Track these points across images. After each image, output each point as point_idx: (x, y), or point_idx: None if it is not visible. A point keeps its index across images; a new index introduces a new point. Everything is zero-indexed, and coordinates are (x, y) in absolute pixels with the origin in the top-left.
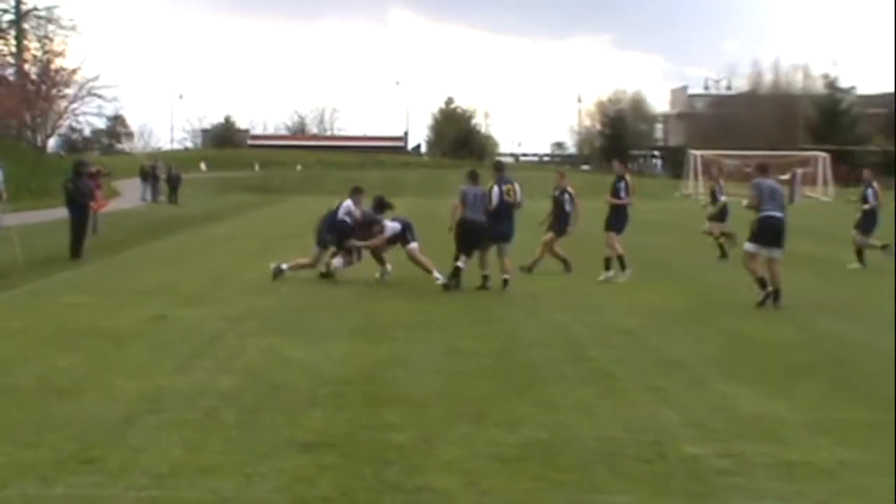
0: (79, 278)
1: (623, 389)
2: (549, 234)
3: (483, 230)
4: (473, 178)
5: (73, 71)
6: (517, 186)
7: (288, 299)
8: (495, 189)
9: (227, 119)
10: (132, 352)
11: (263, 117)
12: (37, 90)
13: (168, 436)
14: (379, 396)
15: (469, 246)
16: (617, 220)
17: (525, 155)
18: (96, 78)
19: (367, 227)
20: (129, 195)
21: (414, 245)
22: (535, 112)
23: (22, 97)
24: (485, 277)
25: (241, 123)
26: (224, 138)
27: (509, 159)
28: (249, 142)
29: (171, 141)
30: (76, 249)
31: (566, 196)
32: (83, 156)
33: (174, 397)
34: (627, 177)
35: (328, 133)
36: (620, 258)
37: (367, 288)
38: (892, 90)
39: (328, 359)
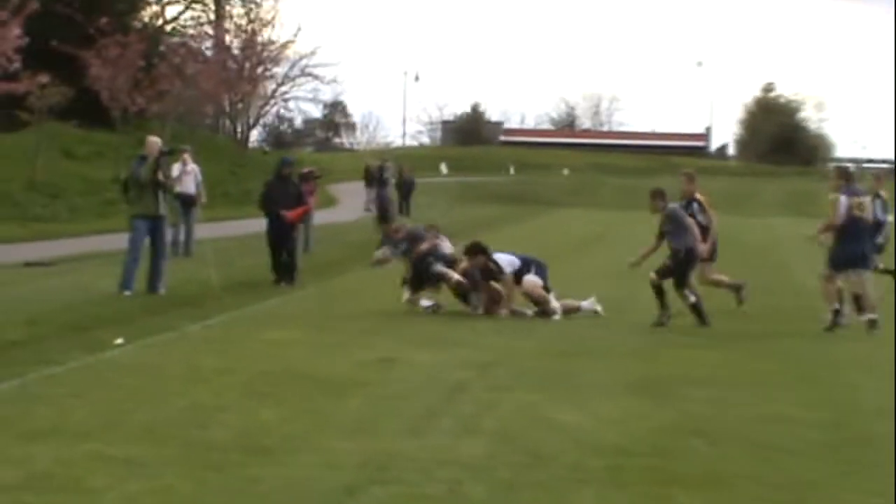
0: (285, 308)
1: None
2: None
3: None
4: (664, 196)
5: (285, 45)
6: (869, 201)
7: (549, 343)
8: (842, 200)
9: (475, 108)
10: (352, 405)
11: (521, 107)
12: (239, 69)
13: None
14: (668, 473)
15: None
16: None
17: (871, 161)
18: (313, 54)
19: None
20: (349, 203)
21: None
22: (885, 104)
23: (221, 77)
24: (835, 312)
25: (492, 114)
26: (470, 133)
27: (850, 166)
28: (502, 137)
29: (404, 135)
30: (279, 271)
31: None
32: (290, 153)
33: (406, 465)
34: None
35: (605, 129)
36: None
37: (651, 331)
38: None
39: (602, 422)
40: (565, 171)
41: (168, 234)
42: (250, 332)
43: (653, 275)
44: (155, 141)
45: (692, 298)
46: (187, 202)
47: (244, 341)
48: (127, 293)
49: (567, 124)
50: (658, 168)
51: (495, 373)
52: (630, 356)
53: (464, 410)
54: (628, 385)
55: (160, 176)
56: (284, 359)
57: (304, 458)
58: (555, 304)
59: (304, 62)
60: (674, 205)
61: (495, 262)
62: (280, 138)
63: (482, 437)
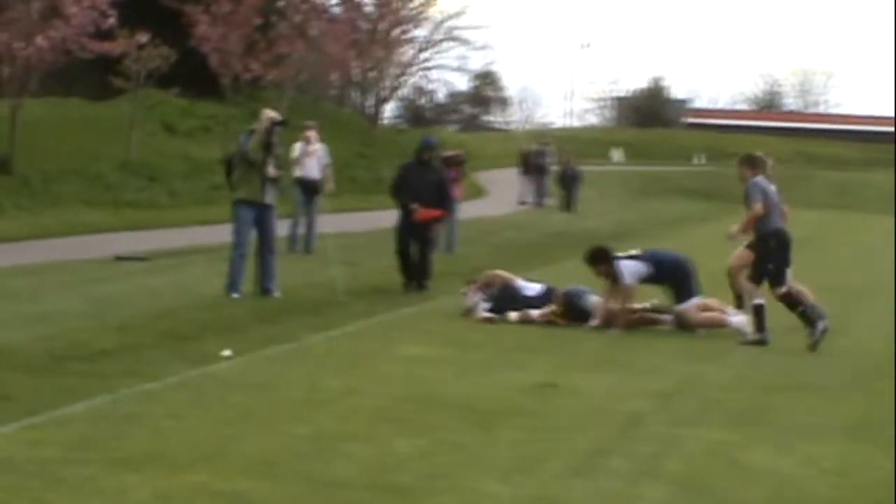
0: (422, 319)
1: None
2: None
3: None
4: (755, 165)
5: (427, 2)
6: None
7: (745, 371)
8: None
9: (656, 83)
10: (505, 438)
11: (711, 83)
12: (372, 30)
13: None
14: None
15: (781, 269)
16: None
17: None
18: (461, 14)
19: None
20: (500, 194)
21: (693, 303)
22: None
23: (350, 40)
24: None
25: (676, 91)
26: (649, 113)
27: None
28: (688, 119)
29: (567, 114)
30: (409, 274)
31: None
32: (430, 132)
33: None
34: None
35: (815, 111)
36: None
37: (868, 359)
38: None
39: (813, 470)
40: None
41: (284, 227)
42: (382, 347)
43: (774, 289)
44: (270, 114)
45: (758, 301)
46: (310, 189)
47: (374, 357)
48: (235, 296)
49: (768, 105)
50: (879, 159)
51: (678, 405)
52: (847, 390)
53: (640, 449)
54: (846, 426)
55: (268, 167)
56: (422, 380)
57: (446, 499)
58: (735, 321)
59: (450, 24)
60: (759, 178)
61: (617, 271)
62: (418, 114)
63: (663, 481)
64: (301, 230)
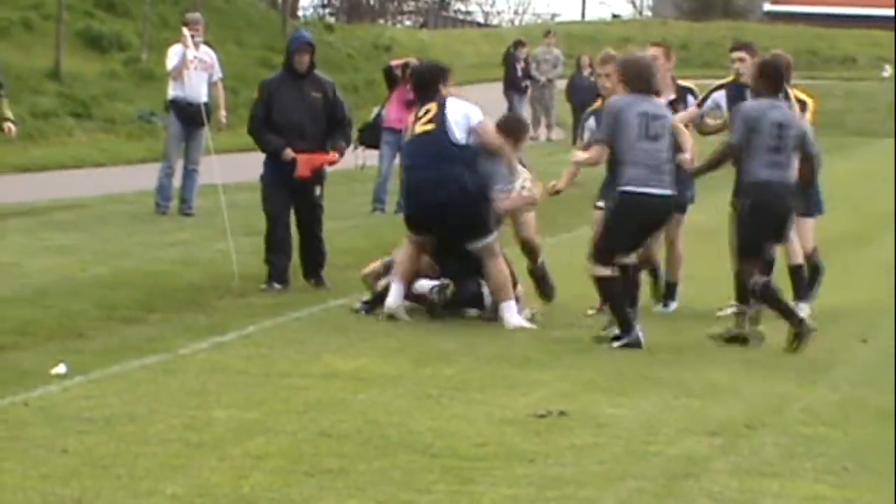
0: (357, 317)
1: None
2: None
3: None
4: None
5: None
6: None
7: (863, 389)
8: None
9: None
10: (493, 498)
11: None
12: None
13: None
14: None
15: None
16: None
17: None
18: None
19: None
20: None
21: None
22: None
23: None
24: None
25: None
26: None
27: None
28: (769, 6)
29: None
30: (277, 258)
31: None
32: (371, 28)
33: None
34: None
35: None
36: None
37: None
38: None
39: None
40: (886, 70)
41: (147, 174)
42: (298, 359)
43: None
44: None
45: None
46: (190, 116)
47: (287, 376)
48: None
49: None
50: None
51: (754, 445)
52: None
53: None
54: None
55: None
56: (362, 410)
57: None
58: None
59: None
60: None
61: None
62: (355, 3)
63: None
64: (175, 180)
